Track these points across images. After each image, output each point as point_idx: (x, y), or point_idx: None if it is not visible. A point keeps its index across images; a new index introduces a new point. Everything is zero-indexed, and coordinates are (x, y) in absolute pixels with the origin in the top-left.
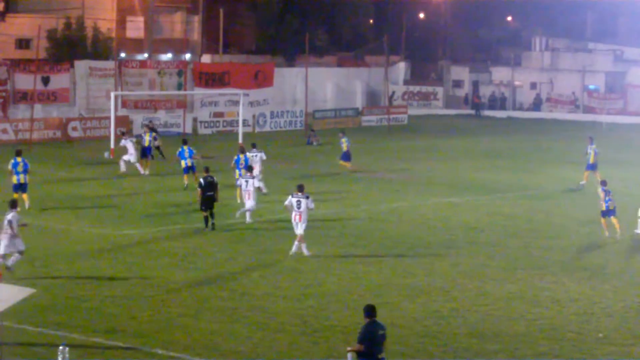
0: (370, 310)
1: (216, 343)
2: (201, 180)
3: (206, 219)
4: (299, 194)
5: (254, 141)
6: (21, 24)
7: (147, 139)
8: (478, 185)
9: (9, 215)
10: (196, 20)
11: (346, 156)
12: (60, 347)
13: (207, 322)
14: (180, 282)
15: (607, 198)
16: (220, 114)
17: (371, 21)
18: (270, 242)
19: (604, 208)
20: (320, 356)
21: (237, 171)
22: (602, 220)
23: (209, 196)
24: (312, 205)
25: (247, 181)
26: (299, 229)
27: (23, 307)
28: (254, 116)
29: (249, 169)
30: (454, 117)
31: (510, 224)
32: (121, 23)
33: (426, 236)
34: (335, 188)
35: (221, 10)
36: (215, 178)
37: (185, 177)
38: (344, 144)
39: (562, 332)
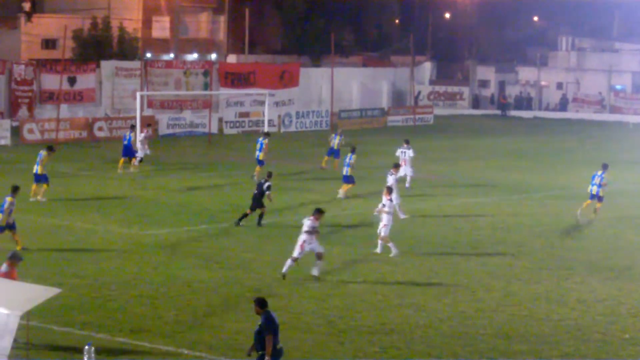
0: (263, 303)
1: (242, 343)
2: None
3: (244, 216)
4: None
5: (280, 141)
6: (47, 24)
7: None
8: (504, 186)
9: (308, 222)
10: (222, 20)
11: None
12: (86, 347)
13: (232, 322)
14: (206, 282)
15: (602, 183)
16: (246, 114)
17: (397, 21)
18: (295, 243)
19: (595, 192)
20: (346, 356)
21: (346, 168)
22: (588, 201)
23: (253, 195)
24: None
25: (390, 175)
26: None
27: (49, 307)
28: (279, 116)
29: (396, 165)
30: (480, 117)
31: (536, 225)
32: (147, 23)
33: (452, 236)
34: (361, 188)
35: (247, 10)
36: (267, 183)
37: (257, 168)
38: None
39: (588, 333)
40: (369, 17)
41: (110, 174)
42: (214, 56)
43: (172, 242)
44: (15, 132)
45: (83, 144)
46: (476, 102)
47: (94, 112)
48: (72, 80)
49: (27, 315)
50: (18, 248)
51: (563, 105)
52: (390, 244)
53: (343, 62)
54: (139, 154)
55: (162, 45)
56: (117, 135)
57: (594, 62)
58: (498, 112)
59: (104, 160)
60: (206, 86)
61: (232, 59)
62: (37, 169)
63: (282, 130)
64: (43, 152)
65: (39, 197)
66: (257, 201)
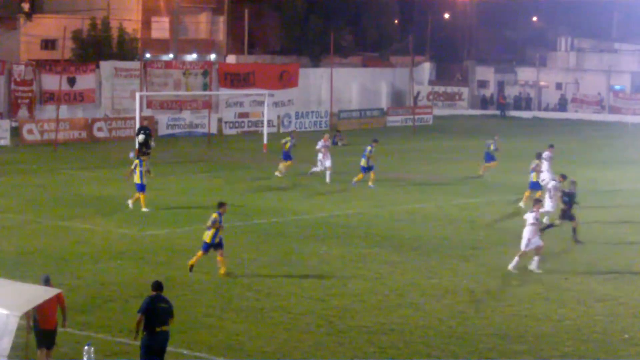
0: (155, 285)
1: (241, 343)
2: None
3: (548, 227)
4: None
5: (279, 142)
6: (47, 25)
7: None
8: (503, 186)
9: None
10: (221, 20)
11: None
12: (86, 347)
13: (232, 323)
14: (205, 283)
15: None
16: (245, 115)
17: (396, 21)
18: (294, 243)
19: None
20: (345, 357)
21: (531, 174)
22: None
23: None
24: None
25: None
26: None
27: None
28: (279, 117)
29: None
30: (479, 117)
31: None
32: (146, 24)
33: (451, 236)
34: (361, 188)
35: (246, 11)
36: (570, 190)
37: (360, 175)
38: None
39: (588, 333)
40: (369, 18)
41: (109, 174)
42: (213, 56)
43: (172, 243)
44: (15, 132)
45: (82, 145)
46: (482, 103)
47: (93, 113)
48: (71, 81)
49: (27, 316)
50: (221, 272)
51: (562, 106)
52: (536, 257)
53: (342, 62)
54: (318, 167)
55: (161, 45)
56: (116, 135)
57: (593, 62)
58: (497, 112)
59: (103, 161)
60: (205, 86)
61: (231, 59)
62: (140, 178)
63: (282, 130)
64: (136, 160)
65: (130, 204)
66: (568, 212)
